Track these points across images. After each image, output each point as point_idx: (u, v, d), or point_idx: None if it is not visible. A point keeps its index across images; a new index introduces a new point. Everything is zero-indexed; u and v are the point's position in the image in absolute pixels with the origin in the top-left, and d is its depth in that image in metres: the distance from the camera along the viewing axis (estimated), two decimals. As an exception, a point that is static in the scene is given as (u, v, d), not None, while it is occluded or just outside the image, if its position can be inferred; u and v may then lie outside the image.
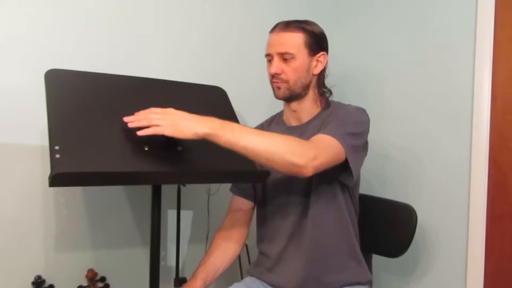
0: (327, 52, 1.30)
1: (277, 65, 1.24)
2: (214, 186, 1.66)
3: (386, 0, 1.79)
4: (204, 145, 1.02)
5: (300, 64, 1.24)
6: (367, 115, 1.28)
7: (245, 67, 1.78)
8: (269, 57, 1.28)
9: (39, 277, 1.37)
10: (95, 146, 0.99)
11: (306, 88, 1.28)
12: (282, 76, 1.24)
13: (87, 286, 1.38)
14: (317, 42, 1.27)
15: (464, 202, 1.50)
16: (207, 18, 1.72)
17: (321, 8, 2.03)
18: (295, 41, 1.23)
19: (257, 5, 1.85)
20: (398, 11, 1.75)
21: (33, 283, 1.36)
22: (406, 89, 1.70)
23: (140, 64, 1.56)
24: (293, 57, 1.23)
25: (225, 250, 1.33)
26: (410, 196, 1.63)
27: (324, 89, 1.33)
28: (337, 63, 1.99)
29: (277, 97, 1.30)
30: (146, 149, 1.03)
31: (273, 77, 1.26)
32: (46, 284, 1.37)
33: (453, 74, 1.55)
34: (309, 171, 1.05)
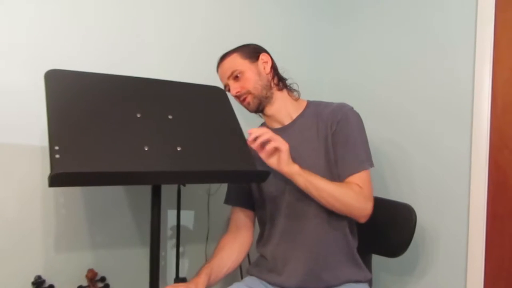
0: (267, 52, 1.40)
1: (234, 86, 1.35)
2: (214, 186, 1.66)
3: None
4: (204, 145, 1.01)
5: (249, 73, 1.34)
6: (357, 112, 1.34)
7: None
8: (227, 87, 1.38)
9: (39, 277, 1.37)
10: (95, 146, 0.99)
11: (268, 88, 1.36)
12: (242, 90, 1.34)
13: (87, 286, 1.38)
14: (252, 50, 1.39)
15: (464, 202, 1.50)
16: (207, 18, 1.73)
17: (321, 7, 2.03)
18: (234, 60, 1.36)
19: (257, 4, 1.85)
20: (398, 10, 1.75)
21: (33, 283, 1.36)
22: (406, 89, 1.70)
23: (139, 64, 1.56)
24: (240, 71, 1.34)
25: (230, 252, 1.35)
26: (410, 196, 1.62)
27: (284, 81, 1.41)
28: (337, 61, 2.00)
29: (251, 111, 1.39)
30: (146, 149, 1.04)
31: (238, 97, 1.37)
32: (46, 284, 1.37)
33: (453, 74, 1.55)
34: (363, 221, 1.26)
